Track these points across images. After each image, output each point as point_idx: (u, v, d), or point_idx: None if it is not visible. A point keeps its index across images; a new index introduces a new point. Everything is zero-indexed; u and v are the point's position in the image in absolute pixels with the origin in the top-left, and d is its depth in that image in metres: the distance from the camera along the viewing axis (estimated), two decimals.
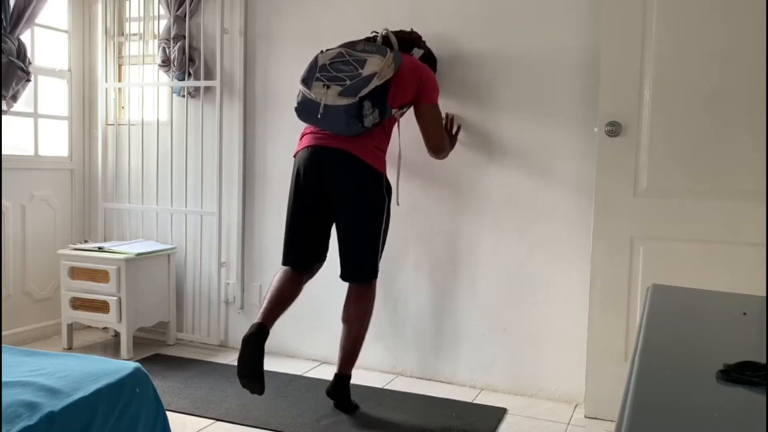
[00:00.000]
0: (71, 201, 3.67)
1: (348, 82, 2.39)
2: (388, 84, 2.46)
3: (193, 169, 3.45)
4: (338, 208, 2.55)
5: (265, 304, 2.52)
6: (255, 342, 2.38)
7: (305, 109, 2.47)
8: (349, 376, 2.63)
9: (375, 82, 2.39)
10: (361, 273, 2.58)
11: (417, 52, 2.74)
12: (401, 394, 2.86)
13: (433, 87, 2.67)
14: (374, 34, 2.73)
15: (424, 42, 2.83)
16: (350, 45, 2.56)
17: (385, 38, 2.70)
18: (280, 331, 3.15)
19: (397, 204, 2.69)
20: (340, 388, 2.63)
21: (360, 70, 2.42)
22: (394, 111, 2.56)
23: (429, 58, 2.82)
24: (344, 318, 2.61)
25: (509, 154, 2.87)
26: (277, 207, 3.24)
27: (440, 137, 2.70)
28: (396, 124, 2.66)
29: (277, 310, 2.53)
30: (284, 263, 2.61)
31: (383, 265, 2.94)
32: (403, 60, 2.55)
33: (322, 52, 2.55)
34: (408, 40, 2.76)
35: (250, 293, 3.40)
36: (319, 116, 2.42)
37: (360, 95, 2.38)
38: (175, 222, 3.51)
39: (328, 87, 2.39)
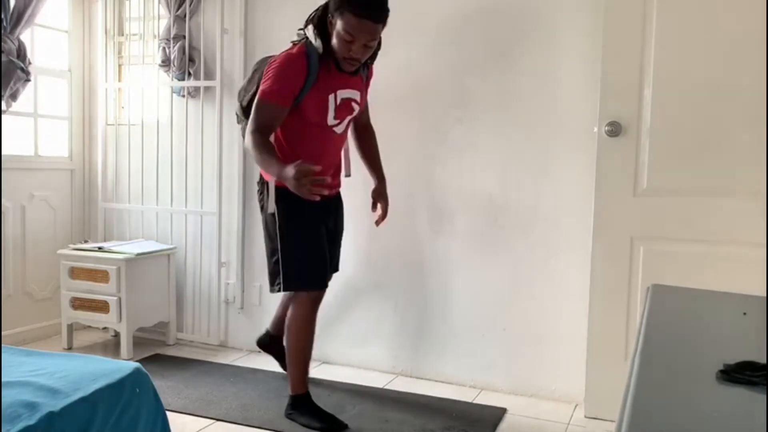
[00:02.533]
0: (71, 201, 3.67)
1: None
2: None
3: (193, 169, 3.45)
4: None
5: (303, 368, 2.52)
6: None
7: None
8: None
9: (238, 100, 2.54)
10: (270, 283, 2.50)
11: (300, 35, 2.37)
12: (401, 394, 2.85)
13: (264, 79, 2.29)
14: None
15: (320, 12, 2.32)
16: None
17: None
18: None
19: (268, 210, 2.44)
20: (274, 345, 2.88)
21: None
22: None
23: (321, 23, 2.30)
24: None
25: (509, 154, 2.87)
26: None
27: (248, 130, 2.27)
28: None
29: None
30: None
31: (381, 265, 2.94)
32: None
33: None
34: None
35: (250, 293, 3.40)
36: None
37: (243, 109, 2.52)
38: (175, 222, 3.51)
39: None
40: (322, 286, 2.51)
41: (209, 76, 3.38)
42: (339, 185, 2.64)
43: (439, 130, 2.98)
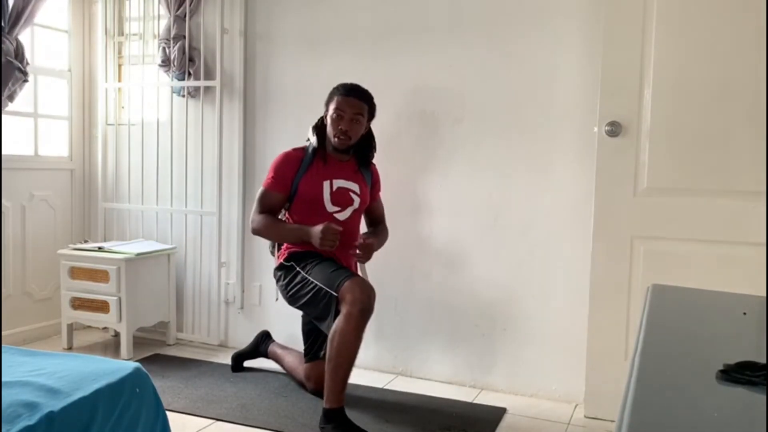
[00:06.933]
0: (71, 201, 3.67)
1: None
2: None
3: (193, 169, 3.45)
4: None
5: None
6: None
7: None
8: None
9: None
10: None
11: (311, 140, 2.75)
12: (401, 394, 2.86)
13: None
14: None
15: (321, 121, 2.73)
16: None
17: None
18: (279, 334, 3.15)
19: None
20: None
21: None
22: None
23: (320, 130, 2.73)
24: None
25: (509, 154, 2.87)
26: None
27: (253, 214, 2.73)
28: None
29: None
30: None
31: (381, 265, 2.94)
32: None
33: None
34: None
35: (250, 293, 3.40)
36: None
37: None
38: (175, 222, 3.51)
39: None
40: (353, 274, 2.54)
41: (209, 76, 3.38)
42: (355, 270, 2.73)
43: (439, 130, 2.98)
